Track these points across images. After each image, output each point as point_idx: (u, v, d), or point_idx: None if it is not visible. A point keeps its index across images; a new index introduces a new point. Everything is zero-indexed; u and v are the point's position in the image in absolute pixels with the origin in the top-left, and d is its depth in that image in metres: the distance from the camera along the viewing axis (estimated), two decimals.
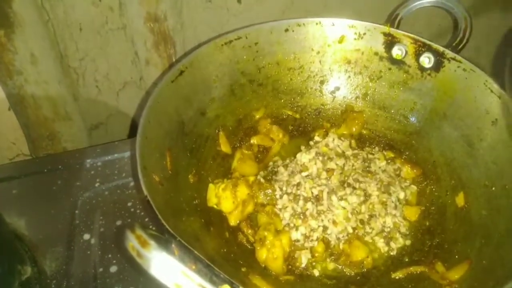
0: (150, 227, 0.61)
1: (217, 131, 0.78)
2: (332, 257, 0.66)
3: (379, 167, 0.75)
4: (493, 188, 0.66)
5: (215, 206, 0.69)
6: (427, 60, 0.78)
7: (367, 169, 0.73)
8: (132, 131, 1.04)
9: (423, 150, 0.79)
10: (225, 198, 0.67)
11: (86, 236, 0.72)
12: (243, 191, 0.68)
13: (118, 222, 0.74)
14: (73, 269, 0.68)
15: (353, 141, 0.79)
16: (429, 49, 0.77)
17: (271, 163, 0.77)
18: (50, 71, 0.89)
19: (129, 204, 0.76)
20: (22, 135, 0.99)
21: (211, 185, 0.70)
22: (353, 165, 0.73)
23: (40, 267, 0.68)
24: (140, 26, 0.89)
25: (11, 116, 0.95)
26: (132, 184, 0.79)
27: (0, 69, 0.85)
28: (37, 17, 0.82)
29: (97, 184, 0.79)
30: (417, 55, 0.78)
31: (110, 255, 0.70)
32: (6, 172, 0.80)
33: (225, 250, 0.64)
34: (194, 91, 0.75)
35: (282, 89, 0.85)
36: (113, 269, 0.68)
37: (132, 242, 0.38)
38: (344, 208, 0.67)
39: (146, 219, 0.74)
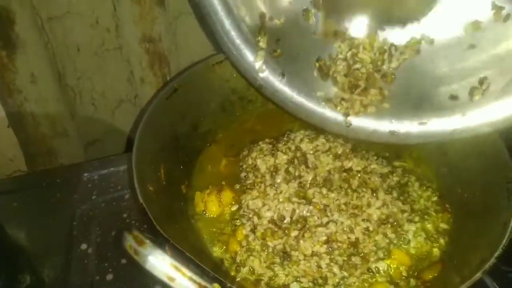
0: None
1: (208, 144, 0.83)
2: None
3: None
4: (465, 195, 0.71)
5: (203, 212, 0.72)
6: None
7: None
8: (127, 147, 1.08)
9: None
10: (210, 202, 0.71)
11: (83, 246, 0.75)
12: (228, 195, 0.72)
13: (114, 233, 0.77)
14: (71, 278, 0.71)
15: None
16: None
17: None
18: (49, 90, 0.92)
19: (125, 215, 0.80)
20: (20, 152, 1.02)
21: (197, 193, 0.74)
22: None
23: (39, 276, 0.71)
24: (136, 47, 0.93)
25: (9, 133, 0.98)
26: (127, 196, 0.83)
27: (1, 88, 0.89)
28: (37, 39, 0.86)
29: (94, 197, 0.83)
30: None
31: (106, 264, 0.73)
32: (6, 186, 0.84)
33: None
34: (187, 107, 0.80)
35: (271, 105, 0.90)
36: (109, 277, 0.71)
37: (130, 242, 0.42)
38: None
39: (141, 229, 0.77)
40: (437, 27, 0.67)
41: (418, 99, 0.70)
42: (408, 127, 0.72)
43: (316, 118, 0.76)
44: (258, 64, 0.73)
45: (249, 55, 0.74)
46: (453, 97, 0.67)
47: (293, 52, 0.74)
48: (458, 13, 0.65)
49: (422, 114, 0.70)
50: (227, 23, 0.71)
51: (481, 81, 0.65)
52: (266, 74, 0.73)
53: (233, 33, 0.72)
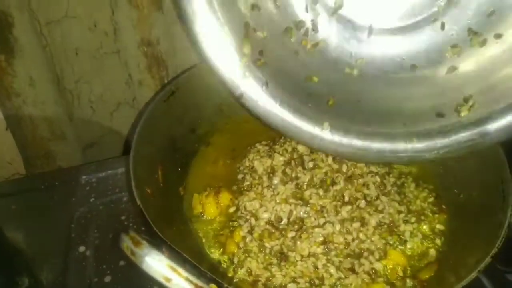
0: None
1: (205, 146, 0.83)
2: None
3: None
4: (461, 196, 0.72)
5: (200, 214, 0.73)
6: None
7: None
8: (125, 150, 1.08)
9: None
10: (208, 204, 0.71)
11: (82, 248, 0.75)
12: (225, 197, 0.72)
13: (112, 235, 0.77)
14: (69, 280, 0.71)
15: None
16: None
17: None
18: (47, 93, 0.93)
19: (123, 217, 0.80)
20: (18, 155, 1.02)
21: (195, 195, 0.74)
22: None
23: (37, 278, 0.71)
24: (134, 50, 0.94)
25: (8, 136, 0.98)
26: (125, 198, 0.83)
27: None
28: (36, 42, 0.86)
29: (92, 199, 0.83)
30: None
31: (104, 266, 0.73)
32: (5, 189, 0.84)
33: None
34: (185, 110, 0.80)
35: None
36: (107, 279, 0.71)
37: (126, 242, 0.42)
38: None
39: (139, 232, 0.77)
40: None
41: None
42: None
43: (301, 134, 0.71)
44: (241, 70, 0.70)
45: (231, 61, 0.70)
46: (439, 115, 0.67)
47: (276, 64, 0.72)
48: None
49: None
50: (212, 28, 0.68)
51: (466, 99, 0.66)
52: (249, 82, 0.70)
53: (216, 37, 0.69)
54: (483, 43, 0.64)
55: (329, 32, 0.71)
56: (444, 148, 0.67)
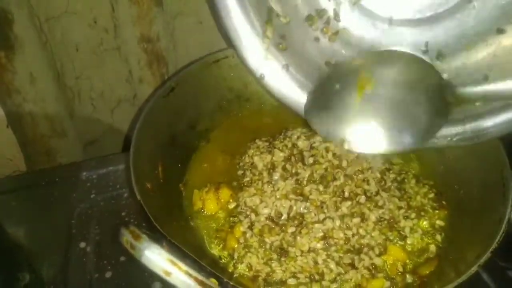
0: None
1: (205, 143, 0.84)
2: None
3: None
4: (461, 192, 0.72)
5: (201, 210, 0.73)
6: None
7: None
8: (125, 147, 1.08)
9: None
10: (208, 199, 0.71)
11: (82, 244, 0.76)
12: (226, 192, 0.72)
13: (113, 231, 0.77)
14: (70, 276, 0.72)
15: None
16: None
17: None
18: (47, 90, 0.93)
19: (123, 213, 0.80)
20: (19, 152, 1.02)
21: (195, 191, 0.74)
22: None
23: (38, 274, 0.71)
24: (134, 47, 0.94)
25: (8, 133, 0.98)
26: (125, 195, 0.83)
27: (0, 88, 0.90)
28: (36, 39, 0.86)
29: (92, 196, 0.83)
30: None
31: (105, 262, 0.73)
32: (5, 185, 0.84)
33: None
34: (185, 106, 0.80)
35: (268, 103, 0.90)
36: (108, 274, 0.72)
37: (126, 236, 0.42)
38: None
39: (140, 227, 0.78)
40: None
41: None
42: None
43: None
44: (263, 52, 0.74)
45: (255, 43, 0.74)
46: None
47: (298, 49, 0.75)
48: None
49: None
50: (237, 11, 0.72)
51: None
52: (271, 64, 0.74)
53: (242, 20, 0.72)
54: None
55: (350, 21, 0.72)
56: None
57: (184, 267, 0.41)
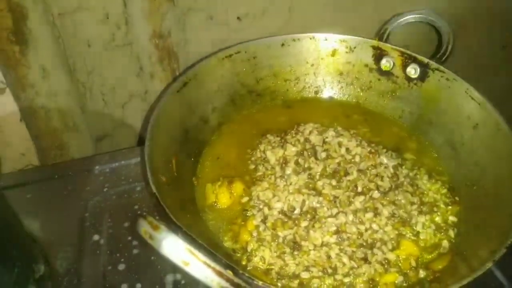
0: None
1: (217, 137, 0.84)
2: None
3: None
4: (474, 188, 0.71)
5: (214, 203, 0.73)
6: (413, 71, 0.84)
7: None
8: (139, 142, 1.09)
9: None
10: (221, 193, 0.72)
11: (96, 237, 0.76)
12: (239, 186, 0.73)
13: (126, 224, 0.78)
14: (83, 268, 0.72)
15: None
16: (415, 60, 0.83)
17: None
18: (60, 85, 0.93)
19: (136, 207, 0.81)
20: (32, 146, 1.03)
21: (208, 184, 0.74)
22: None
23: (53, 266, 0.72)
24: (146, 43, 0.94)
25: (22, 127, 0.99)
26: (138, 188, 0.84)
27: (14, 83, 0.90)
28: (49, 34, 0.87)
29: (105, 189, 0.84)
30: (404, 66, 0.84)
31: (118, 254, 0.74)
32: (20, 178, 0.85)
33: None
34: (197, 101, 0.81)
35: (280, 99, 0.91)
36: (121, 267, 0.72)
37: (144, 227, 0.43)
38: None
39: None
40: None
41: None
42: None
43: None
44: None
45: None
46: None
47: None
48: None
49: None
50: None
51: None
52: None
53: None
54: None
55: None
56: None
57: (202, 257, 0.42)
